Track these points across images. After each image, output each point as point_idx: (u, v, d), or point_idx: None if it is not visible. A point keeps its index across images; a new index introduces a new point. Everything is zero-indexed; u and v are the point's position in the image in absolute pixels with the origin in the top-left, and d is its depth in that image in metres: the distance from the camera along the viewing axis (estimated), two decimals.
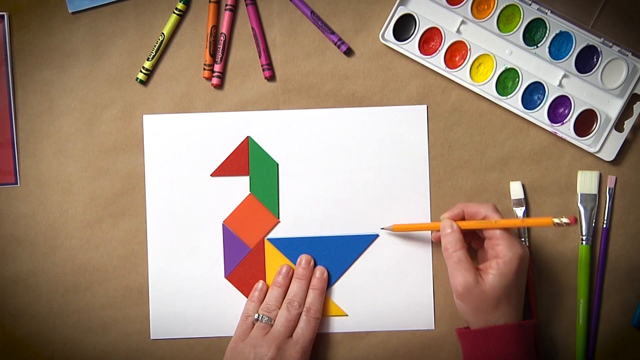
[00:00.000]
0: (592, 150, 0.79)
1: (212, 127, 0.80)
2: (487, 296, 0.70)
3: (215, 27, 0.80)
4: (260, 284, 0.79)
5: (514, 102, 0.79)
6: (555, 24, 0.78)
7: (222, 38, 0.80)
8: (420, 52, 0.79)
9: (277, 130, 0.80)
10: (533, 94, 0.79)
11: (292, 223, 0.80)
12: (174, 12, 0.80)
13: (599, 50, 0.78)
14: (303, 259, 0.79)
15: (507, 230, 0.71)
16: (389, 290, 0.79)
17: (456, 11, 0.79)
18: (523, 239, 0.79)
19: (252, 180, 0.80)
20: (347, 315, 0.79)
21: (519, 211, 0.79)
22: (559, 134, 0.79)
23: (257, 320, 0.76)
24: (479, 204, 0.73)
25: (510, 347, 0.69)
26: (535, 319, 0.77)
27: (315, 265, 0.79)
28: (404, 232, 0.79)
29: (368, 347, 0.79)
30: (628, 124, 0.79)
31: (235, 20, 0.80)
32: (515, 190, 0.79)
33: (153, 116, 0.80)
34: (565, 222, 0.66)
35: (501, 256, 0.70)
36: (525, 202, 0.79)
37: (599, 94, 0.79)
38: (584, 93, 0.79)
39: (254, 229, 0.80)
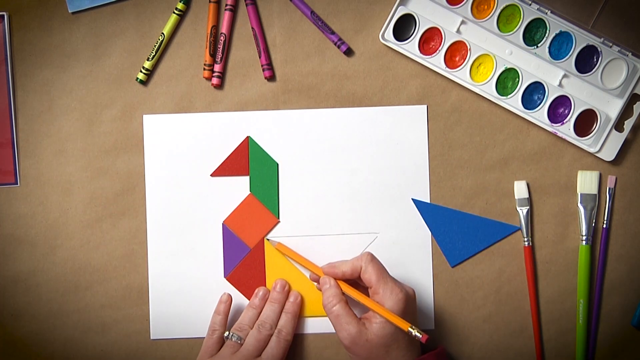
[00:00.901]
0: (592, 150, 0.79)
1: (212, 127, 0.80)
2: (374, 344, 0.70)
3: (215, 27, 0.80)
4: (225, 296, 0.78)
5: (514, 102, 0.79)
6: (555, 24, 0.78)
7: (222, 38, 0.80)
8: (420, 52, 0.79)
9: (277, 130, 0.80)
10: (533, 94, 0.79)
11: (292, 223, 0.80)
12: (174, 12, 0.80)
13: (599, 50, 0.78)
14: (278, 283, 0.79)
15: (383, 275, 0.72)
16: None
17: (456, 11, 0.79)
18: (525, 239, 0.79)
19: (252, 180, 0.80)
20: None
21: (523, 210, 0.79)
22: (559, 134, 0.79)
23: (227, 338, 0.75)
24: (355, 258, 0.74)
25: None
26: (441, 346, 0.75)
27: (289, 289, 0.79)
28: (405, 233, 0.79)
29: None
30: (628, 124, 0.79)
31: (235, 20, 0.80)
32: (520, 189, 0.79)
33: (153, 116, 0.80)
34: (417, 337, 0.68)
35: (382, 304, 0.71)
36: (530, 201, 0.79)
37: (599, 94, 0.79)
38: (584, 93, 0.79)
39: (254, 229, 0.80)
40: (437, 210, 0.79)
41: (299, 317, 0.79)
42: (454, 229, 0.79)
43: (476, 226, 0.79)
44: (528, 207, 0.79)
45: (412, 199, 0.79)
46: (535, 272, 0.79)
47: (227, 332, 0.76)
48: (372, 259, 0.73)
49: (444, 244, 0.79)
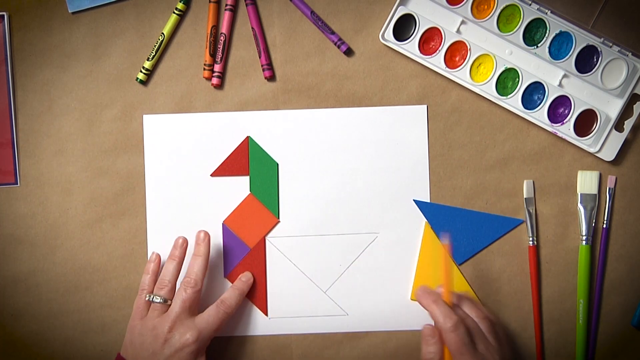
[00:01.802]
0: (592, 150, 0.79)
1: (212, 127, 0.80)
2: None
3: (215, 27, 0.80)
4: (154, 255, 0.77)
5: (514, 102, 0.79)
6: (555, 24, 0.78)
7: (222, 38, 0.80)
8: (420, 52, 0.79)
9: (277, 130, 0.80)
10: (533, 94, 0.79)
11: (292, 223, 0.80)
12: (174, 12, 0.80)
13: (599, 50, 0.78)
14: (201, 233, 0.77)
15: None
16: (389, 290, 0.79)
17: (456, 11, 0.79)
18: (530, 237, 0.79)
19: (252, 180, 0.80)
20: (347, 315, 0.79)
21: (531, 209, 0.79)
22: (559, 134, 0.79)
23: (150, 301, 0.74)
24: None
25: None
26: None
27: (209, 240, 0.77)
28: (405, 233, 0.79)
29: (368, 347, 0.79)
30: (628, 124, 0.79)
31: (235, 20, 0.80)
32: (529, 189, 0.79)
33: (153, 116, 0.80)
34: None
35: None
36: (534, 201, 0.79)
37: (599, 94, 0.79)
38: (584, 93, 0.79)
39: (254, 229, 0.79)
40: (439, 209, 0.79)
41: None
42: (458, 227, 0.79)
43: (480, 222, 0.79)
44: (534, 207, 0.79)
45: (414, 200, 0.79)
46: (538, 271, 0.79)
47: (148, 295, 0.74)
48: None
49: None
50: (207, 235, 0.77)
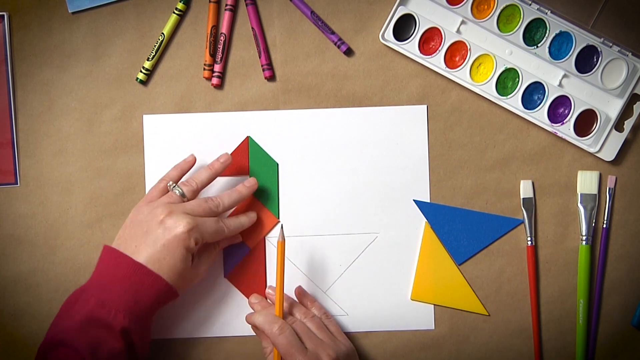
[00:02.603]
0: (592, 150, 0.79)
1: (212, 127, 0.80)
2: None
3: (215, 27, 0.80)
4: (191, 156, 0.77)
5: (514, 102, 0.79)
6: (555, 24, 0.78)
7: (222, 38, 0.80)
8: (420, 52, 0.79)
9: (277, 130, 0.80)
10: (533, 94, 0.79)
11: (292, 223, 0.80)
12: (174, 12, 0.79)
13: (599, 50, 0.78)
14: (225, 155, 0.77)
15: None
16: (389, 291, 0.79)
17: (456, 11, 0.79)
18: (529, 238, 0.79)
19: None
20: (347, 315, 0.79)
21: (528, 210, 0.79)
22: (559, 134, 0.79)
23: (170, 187, 0.74)
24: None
25: None
26: None
27: (227, 165, 0.77)
28: (405, 233, 0.79)
29: (368, 347, 0.79)
30: (628, 124, 0.79)
31: (235, 20, 0.80)
32: (526, 189, 0.79)
33: (153, 116, 0.80)
34: None
35: None
36: (533, 201, 0.79)
37: (599, 94, 0.79)
38: (584, 93, 0.79)
39: (254, 229, 0.79)
40: (439, 209, 0.79)
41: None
42: (458, 227, 0.79)
43: (479, 222, 0.79)
44: (533, 207, 0.79)
45: (414, 200, 0.79)
46: (535, 272, 0.79)
47: (171, 183, 0.74)
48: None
49: (448, 243, 0.79)
50: (228, 159, 0.77)
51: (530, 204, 0.79)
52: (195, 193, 0.75)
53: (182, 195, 0.73)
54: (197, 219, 0.71)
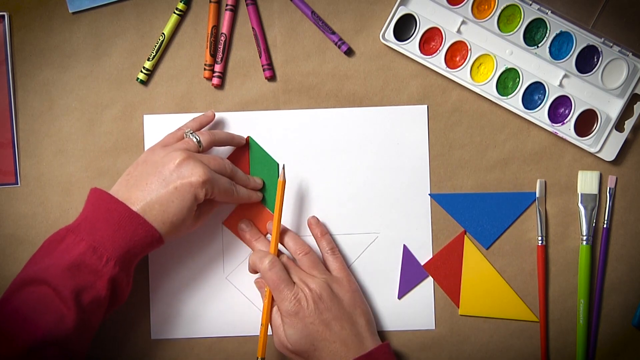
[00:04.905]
0: (592, 150, 0.79)
1: (212, 127, 0.80)
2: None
3: (216, 27, 0.80)
4: (210, 111, 0.78)
5: (514, 102, 0.79)
6: (556, 24, 0.78)
7: (222, 38, 0.80)
8: (421, 52, 0.79)
9: (277, 130, 0.80)
10: (533, 94, 0.79)
11: (293, 223, 0.80)
12: (174, 12, 0.80)
13: (600, 50, 0.78)
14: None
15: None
16: (389, 290, 0.79)
17: (456, 11, 0.79)
18: (540, 237, 0.78)
19: None
20: None
21: (541, 209, 0.79)
22: (560, 134, 0.79)
23: (186, 134, 0.74)
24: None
25: None
26: (386, 341, 0.75)
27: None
28: (405, 233, 0.79)
29: None
30: (628, 124, 0.79)
31: (236, 20, 0.80)
32: (541, 188, 0.79)
33: (153, 116, 0.80)
34: None
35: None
36: (545, 200, 0.79)
37: (600, 94, 0.79)
38: (584, 93, 0.79)
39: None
40: (456, 198, 0.79)
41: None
42: (478, 212, 0.79)
43: (498, 203, 0.79)
44: (544, 206, 0.79)
45: (430, 195, 0.79)
46: (546, 272, 0.79)
47: (188, 131, 0.74)
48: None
49: (473, 229, 0.79)
50: (242, 139, 0.79)
51: (542, 203, 0.79)
52: (211, 145, 0.75)
53: (199, 143, 0.73)
54: (213, 172, 0.71)
